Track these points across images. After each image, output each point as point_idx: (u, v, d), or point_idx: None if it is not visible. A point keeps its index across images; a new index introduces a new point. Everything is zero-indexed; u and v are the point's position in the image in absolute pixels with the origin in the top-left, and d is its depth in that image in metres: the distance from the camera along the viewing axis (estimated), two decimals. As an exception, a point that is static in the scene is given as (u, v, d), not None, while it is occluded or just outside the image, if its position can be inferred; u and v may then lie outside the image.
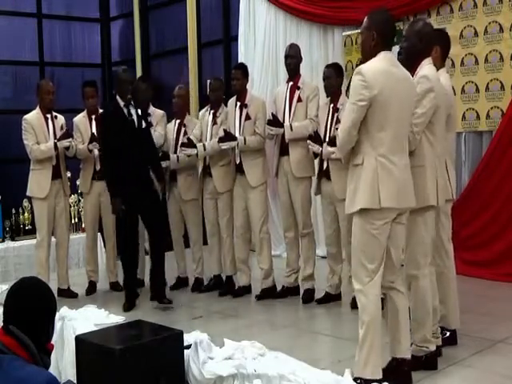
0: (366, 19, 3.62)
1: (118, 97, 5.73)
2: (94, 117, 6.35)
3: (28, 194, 6.22)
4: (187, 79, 9.40)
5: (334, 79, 5.44)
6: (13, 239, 7.74)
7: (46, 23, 10.44)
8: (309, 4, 7.65)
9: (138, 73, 10.39)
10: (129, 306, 5.63)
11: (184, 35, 9.45)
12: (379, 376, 3.43)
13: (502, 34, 6.14)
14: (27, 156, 6.14)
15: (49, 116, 6.14)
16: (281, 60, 8.00)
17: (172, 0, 10.08)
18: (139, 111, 5.74)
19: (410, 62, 3.89)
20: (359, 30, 3.72)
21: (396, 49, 6.58)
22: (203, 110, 6.35)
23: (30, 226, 7.70)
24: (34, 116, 6.12)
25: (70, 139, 6.15)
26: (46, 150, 6.02)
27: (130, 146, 5.55)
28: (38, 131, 6.06)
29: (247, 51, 8.41)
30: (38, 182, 6.07)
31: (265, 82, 8.14)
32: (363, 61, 3.64)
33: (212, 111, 6.09)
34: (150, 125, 5.94)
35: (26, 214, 7.74)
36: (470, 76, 6.38)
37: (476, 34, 6.31)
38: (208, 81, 6.39)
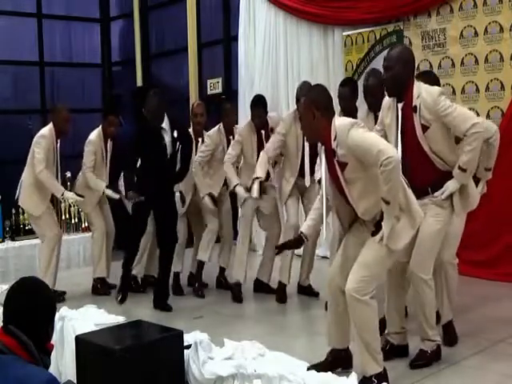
0: (302, 105, 3.77)
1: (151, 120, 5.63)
2: (109, 140, 6.41)
3: None
4: (187, 80, 9.42)
5: (350, 100, 5.28)
6: (13, 239, 7.73)
7: (46, 23, 10.43)
8: (309, 4, 7.65)
9: (138, 73, 10.41)
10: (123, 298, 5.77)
11: (184, 35, 9.45)
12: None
13: (502, 34, 6.14)
14: (26, 156, 6.14)
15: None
16: (281, 60, 8.04)
17: (172, 0, 10.08)
18: (175, 134, 5.64)
19: (397, 89, 3.94)
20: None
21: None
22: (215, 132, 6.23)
23: (29, 226, 7.68)
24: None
25: (75, 197, 6.24)
26: (52, 186, 6.03)
27: (156, 169, 5.58)
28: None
29: (247, 51, 8.41)
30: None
31: (265, 82, 8.14)
32: (318, 138, 3.65)
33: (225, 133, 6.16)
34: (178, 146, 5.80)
35: (25, 214, 7.72)
36: (470, 76, 6.38)
37: (476, 33, 6.31)
38: (225, 105, 6.33)
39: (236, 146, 5.89)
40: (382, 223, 3.45)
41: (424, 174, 3.91)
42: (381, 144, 3.41)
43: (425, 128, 3.85)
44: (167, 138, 5.63)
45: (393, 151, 3.40)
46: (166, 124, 5.64)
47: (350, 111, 5.10)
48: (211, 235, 6.15)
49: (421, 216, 3.62)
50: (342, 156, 3.48)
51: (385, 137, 4.04)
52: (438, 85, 4.77)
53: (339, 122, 3.56)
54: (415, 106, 3.85)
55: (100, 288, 6.26)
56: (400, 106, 3.93)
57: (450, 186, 3.88)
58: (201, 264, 6.15)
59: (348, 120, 3.59)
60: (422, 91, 3.87)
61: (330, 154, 3.55)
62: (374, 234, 3.51)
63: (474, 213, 4.65)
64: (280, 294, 5.75)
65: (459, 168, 3.84)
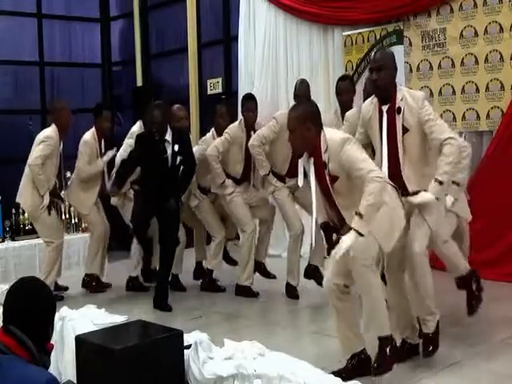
0: (294, 118, 3.67)
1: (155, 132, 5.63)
2: (103, 140, 6.43)
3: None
4: (187, 80, 9.42)
5: (348, 93, 5.48)
6: (13, 239, 7.72)
7: (46, 23, 10.41)
8: (309, 4, 7.64)
9: (138, 73, 10.40)
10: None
11: (184, 35, 9.45)
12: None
13: (502, 34, 6.13)
14: (27, 156, 6.13)
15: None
16: (281, 60, 8.04)
17: (172, 0, 10.08)
18: (176, 147, 5.61)
19: (387, 92, 3.95)
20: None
21: (398, 48, 6.67)
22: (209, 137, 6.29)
23: (29, 226, 7.67)
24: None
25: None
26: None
27: (156, 181, 5.60)
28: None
29: (247, 51, 8.40)
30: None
31: (265, 82, 8.13)
32: (308, 150, 3.65)
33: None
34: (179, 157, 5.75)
35: (26, 214, 7.71)
36: (470, 76, 6.38)
37: (476, 33, 6.31)
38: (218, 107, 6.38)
39: (225, 143, 5.91)
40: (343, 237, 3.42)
41: (399, 174, 3.92)
42: (371, 164, 3.52)
43: (405, 130, 3.88)
44: (169, 151, 5.60)
45: (380, 173, 3.53)
46: (169, 136, 5.61)
47: (347, 105, 5.35)
48: (221, 246, 6.26)
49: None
50: (333, 170, 3.58)
51: (366, 137, 4.06)
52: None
53: (330, 135, 3.63)
54: (399, 108, 3.88)
55: (95, 285, 6.38)
56: (385, 108, 3.95)
57: (425, 195, 3.78)
58: (209, 272, 6.28)
59: (340, 135, 3.67)
60: (405, 94, 3.93)
61: (320, 166, 3.62)
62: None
63: (475, 213, 4.65)
64: (291, 293, 5.81)
65: (436, 181, 3.75)
